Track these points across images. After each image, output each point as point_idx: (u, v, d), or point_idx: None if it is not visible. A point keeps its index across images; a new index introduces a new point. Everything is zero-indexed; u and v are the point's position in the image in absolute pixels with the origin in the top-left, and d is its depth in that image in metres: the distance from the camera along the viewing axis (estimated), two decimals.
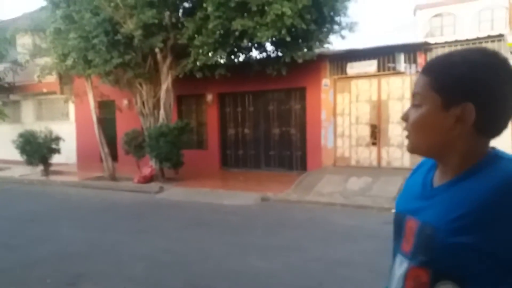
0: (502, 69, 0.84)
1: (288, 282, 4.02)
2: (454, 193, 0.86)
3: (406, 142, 0.98)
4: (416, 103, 0.92)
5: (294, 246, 5.15)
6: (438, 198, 0.90)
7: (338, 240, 5.46)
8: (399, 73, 9.41)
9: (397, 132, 9.58)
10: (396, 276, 0.96)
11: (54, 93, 13.62)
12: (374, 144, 9.88)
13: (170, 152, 9.45)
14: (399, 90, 9.51)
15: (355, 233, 5.74)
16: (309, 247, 5.11)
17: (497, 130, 0.87)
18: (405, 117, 0.95)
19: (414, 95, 0.93)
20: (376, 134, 9.83)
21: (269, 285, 3.98)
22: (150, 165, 10.08)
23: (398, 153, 9.60)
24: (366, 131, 9.97)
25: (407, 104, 9.39)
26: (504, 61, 0.86)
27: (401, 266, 0.94)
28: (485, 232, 0.78)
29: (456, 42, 8.82)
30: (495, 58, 0.86)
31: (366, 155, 9.99)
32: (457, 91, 0.85)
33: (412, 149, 0.95)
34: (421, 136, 0.91)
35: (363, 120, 9.99)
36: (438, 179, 0.95)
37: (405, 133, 0.96)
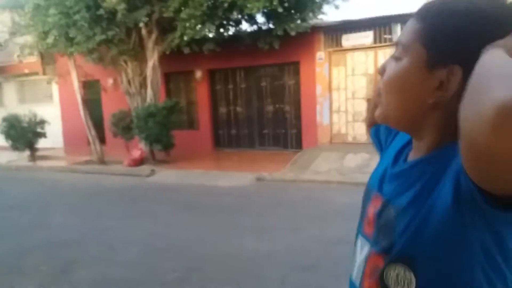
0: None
1: (285, 262, 3.94)
2: (416, 171, 0.74)
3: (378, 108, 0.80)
4: (396, 55, 0.74)
5: (291, 226, 5.05)
6: (404, 176, 0.77)
7: (335, 218, 5.34)
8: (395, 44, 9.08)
9: None
10: (358, 261, 0.86)
11: (36, 73, 13.11)
12: None
13: (160, 133, 9.15)
14: None
15: (353, 211, 5.43)
16: (306, 226, 5.03)
17: None
18: (381, 70, 0.78)
19: (397, 44, 0.75)
20: None
21: (265, 266, 3.87)
22: (139, 147, 9.76)
23: None
24: (362, 106, 9.69)
25: None
26: None
27: (362, 250, 0.85)
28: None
29: None
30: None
31: (363, 131, 9.73)
32: (448, 49, 0.67)
33: (383, 116, 0.79)
34: (395, 98, 0.75)
35: (359, 95, 9.70)
36: (412, 154, 0.81)
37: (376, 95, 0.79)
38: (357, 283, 0.85)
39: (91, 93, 12.87)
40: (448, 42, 0.67)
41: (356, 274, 0.86)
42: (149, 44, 9.28)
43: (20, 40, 11.00)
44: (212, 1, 8.01)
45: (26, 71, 13.21)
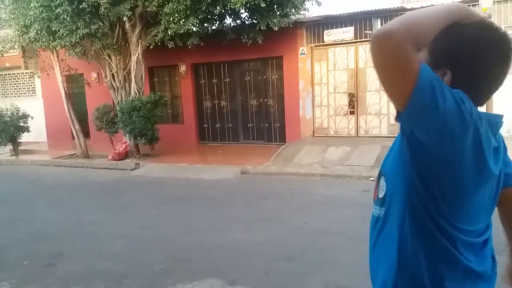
0: (500, 51, 0.96)
1: (270, 253, 4.04)
2: None
3: None
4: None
5: (275, 218, 5.17)
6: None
7: (318, 209, 5.51)
8: None
9: (374, 101, 9.53)
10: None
11: (18, 67, 12.91)
12: (352, 113, 9.82)
13: (144, 127, 9.15)
14: None
15: (335, 202, 5.78)
16: (290, 217, 5.15)
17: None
18: None
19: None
20: (353, 103, 9.76)
21: (251, 257, 3.97)
22: (124, 141, 9.76)
23: (376, 121, 9.59)
24: (344, 100, 9.89)
25: None
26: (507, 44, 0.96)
27: None
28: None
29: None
30: (498, 39, 0.96)
31: (344, 124, 9.95)
32: (441, 58, 0.97)
33: None
34: None
35: (340, 89, 9.89)
36: None
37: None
38: None
39: (75, 87, 12.76)
40: (441, 54, 0.98)
41: None
42: (133, 38, 9.24)
43: (0, 33, 10.81)
44: None
45: (8, 64, 13.00)
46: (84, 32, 8.59)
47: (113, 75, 9.87)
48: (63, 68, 10.44)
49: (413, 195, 0.99)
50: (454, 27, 0.96)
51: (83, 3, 8.24)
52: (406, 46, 0.86)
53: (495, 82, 0.99)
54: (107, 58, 9.71)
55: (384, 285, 1.07)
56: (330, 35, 9.62)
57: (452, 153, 0.92)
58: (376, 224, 1.12)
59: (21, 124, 10.86)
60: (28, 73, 12.54)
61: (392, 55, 0.87)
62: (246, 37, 9.24)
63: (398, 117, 0.94)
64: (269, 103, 10.85)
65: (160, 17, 8.47)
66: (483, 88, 0.99)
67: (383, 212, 1.09)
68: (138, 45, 9.27)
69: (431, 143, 0.92)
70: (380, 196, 1.11)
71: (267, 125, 10.94)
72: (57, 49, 9.69)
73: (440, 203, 0.97)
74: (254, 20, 9.18)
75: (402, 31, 0.86)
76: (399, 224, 1.03)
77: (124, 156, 9.58)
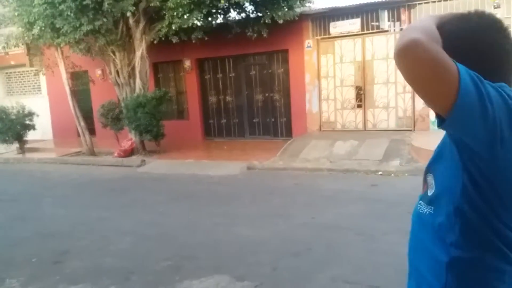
0: (499, 42, 0.95)
1: (277, 249, 4.01)
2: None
3: None
4: None
5: (282, 213, 5.12)
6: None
7: (325, 204, 5.44)
8: (383, 31, 9.13)
9: (382, 94, 9.41)
10: None
11: (23, 65, 12.90)
12: (359, 106, 9.70)
13: (150, 123, 9.11)
14: (384, 50, 9.24)
15: (342, 197, 5.71)
16: (297, 213, 5.11)
17: None
18: None
19: None
20: (361, 96, 9.64)
21: (258, 253, 3.93)
22: (129, 138, 9.74)
23: (384, 115, 9.47)
24: (351, 94, 9.77)
25: (391, 64, 9.17)
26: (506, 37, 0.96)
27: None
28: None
29: None
30: (496, 32, 0.96)
31: (352, 118, 9.83)
32: (448, 45, 0.90)
33: None
34: None
35: (347, 82, 9.76)
36: None
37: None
38: None
39: (80, 84, 12.75)
40: (447, 40, 0.92)
41: None
42: (137, 33, 9.19)
43: (5, 31, 10.81)
44: None
45: (12, 62, 13.02)
46: (88, 29, 8.54)
47: (117, 71, 9.83)
48: (68, 65, 10.42)
49: (464, 198, 0.95)
50: (444, 29, 0.96)
51: None
52: (440, 50, 0.83)
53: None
54: (111, 54, 9.67)
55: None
56: (336, 27, 9.48)
57: (504, 155, 0.88)
58: (421, 220, 1.09)
59: (27, 122, 10.87)
60: (33, 70, 12.52)
61: (428, 63, 0.82)
62: (251, 30, 9.13)
63: (442, 124, 0.89)
64: (275, 97, 10.76)
65: (164, 12, 8.41)
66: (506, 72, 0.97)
67: (431, 211, 1.05)
68: (142, 40, 9.22)
69: (481, 147, 0.88)
70: (429, 194, 1.07)
71: (273, 120, 10.86)
72: (61, 46, 9.65)
73: (495, 206, 0.94)
74: (259, 13, 9.07)
75: (427, 38, 0.83)
76: (447, 225, 0.99)
77: (129, 153, 9.56)
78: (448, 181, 1.00)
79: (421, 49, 0.81)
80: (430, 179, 1.07)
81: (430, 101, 0.88)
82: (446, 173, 1.01)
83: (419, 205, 1.11)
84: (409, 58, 0.83)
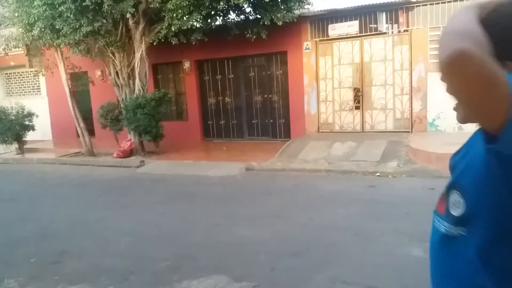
0: None
1: (276, 249, 4.02)
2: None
3: None
4: None
5: (280, 214, 5.14)
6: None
7: (323, 205, 5.47)
8: (381, 33, 9.18)
9: (380, 95, 9.45)
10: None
11: (23, 66, 12.94)
12: (357, 108, 9.75)
13: (149, 124, 9.14)
14: (381, 52, 9.30)
15: (340, 198, 5.74)
16: (295, 213, 5.13)
17: None
18: None
19: None
20: (359, 98, 9.69)
21: (256, 253, 3.95)
22: (129, 139, 9.76)
23: (382, 116, 9.51)
24: (349, 95, 9.81)
25: (389, 66, 9.23)
26: None
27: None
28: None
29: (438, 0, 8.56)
30: None
31: (350, 119, 9.88)
32: (497, 39, 0.81)
33: None
34: None
35: (346, 84, 9.81)
36: None
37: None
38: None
39: (79, 85, 12.78)
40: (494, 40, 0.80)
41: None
42: (136, 35, 9.22)
43: (5, 32, 10.84)
44: None
45: (12, 63, 13.03)
46: (88, 30, 8.57)
47: (117, 72, 9.86)
48: (67, 66, 10.45)
49: (508, 219, 0.88)
50: (490, 17, 0.85)
51: (86, 0, 8.20)
52: (491, 63, 0.72)
53: None
54: (110, 55, 9.70)
55: None
56: (335, 29, 9.53)
57: None
58: (445, 242, 1.01)
59: (26, 122, 10.88)
60: (32, 71, 12.55)
61: (480, 80, 0.72)
62: (250, 32, 9.17)
63: (494, 143, 0.78)
64: (273, 99, 10.80)
65: (164, 14, 8.43)
66: None
67: (461, 232, 0.96)
68: (142, 42, 9.25)
69: None
70: (455, 214, 0.97)
71: (271, 121, 10.89)
72: (61, 47, 9.70)
73: None
74: (258, 15, 9.12)
75: (476, 47, 0.71)
76: (481, 248, 0.92)
77: (129, 153, 9.59)
78: (484, 200, 0.91)
79: (471, 63, 0.71)
80: (458, 197, 0.96)
81: (480, 118, 0.78)
82: (482, 191, 0.91)
83: (439, 224, 1.03)
84: (457, 75, 0.73)
